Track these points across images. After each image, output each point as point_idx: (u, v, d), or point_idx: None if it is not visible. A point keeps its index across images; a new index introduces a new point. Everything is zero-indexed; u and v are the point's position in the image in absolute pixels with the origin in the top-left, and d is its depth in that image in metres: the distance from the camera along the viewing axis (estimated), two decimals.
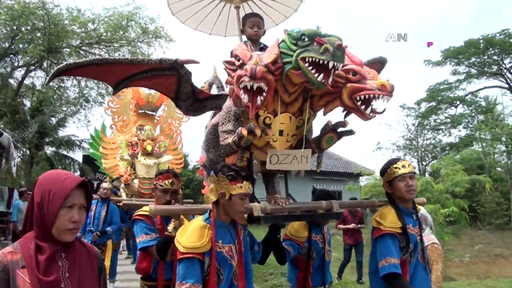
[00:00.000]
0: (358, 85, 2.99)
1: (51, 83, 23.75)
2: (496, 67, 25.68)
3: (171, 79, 3.62)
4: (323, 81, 2.78)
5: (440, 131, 31.88)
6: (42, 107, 24.66)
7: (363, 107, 2.99)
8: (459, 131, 31.17)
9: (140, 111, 9.74)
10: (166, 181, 3.67)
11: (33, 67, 23.08)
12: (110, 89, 22.58)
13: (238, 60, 2.97)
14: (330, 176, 29.11)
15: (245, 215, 3.09)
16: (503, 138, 27.81)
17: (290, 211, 3.39)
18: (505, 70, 25.22)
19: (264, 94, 2.83)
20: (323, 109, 3.27)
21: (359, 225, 9.82)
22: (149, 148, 8.53)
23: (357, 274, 9.76)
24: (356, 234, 9.86)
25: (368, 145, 75.11)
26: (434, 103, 30.81)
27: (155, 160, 8.60)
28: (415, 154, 34.88)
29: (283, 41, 2.99)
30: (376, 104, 3.01)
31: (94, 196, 9.40)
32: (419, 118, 31.47)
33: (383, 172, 3.38)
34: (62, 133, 26.00)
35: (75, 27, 22.60)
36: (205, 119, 4.34)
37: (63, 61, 23.13)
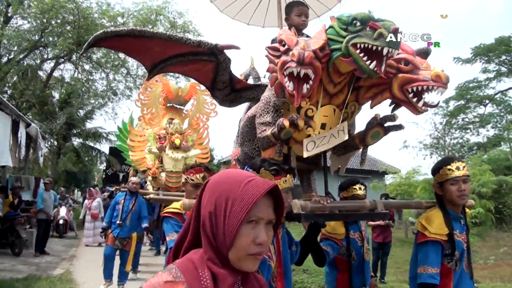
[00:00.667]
0: (410, 75, 2.78)
1: (80, 76, 24.20)
2: None
3: (209, 65, 3.42)
4: (375, 69, 2.59)
5: (468, 131, 31.21)
6: (71, 99, 25.05)
7: (415, 99, 2.79)
8: (487, 130, 30.46)
9: (168, 105, 9.78)
10: (198, 175, 3.53)
11: (62, 59, 23.35)
12: (138, 82, 23.00)
13: (284, 46, 2.78)
14: (355, 174, 28.89)
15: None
16: None
17: (331, 209, 3.18)
18: None
19: (311, 82, 2.65)
20: (370, 102, 3.06)
21: (388, 222, 9.39)
22: (177, 141, 8.59)
23: (381, 272, 9.49)
24: (386, 232, 9.50)
25: (395, 143, 74.27)
26: (462, 102, 30.23)
27: (182, 154, 8.65)
28: (442, 153, 34.37)
29: (331, 27, 2.80)
30: (429, 97, 2.81)
31: (122, 189, 9.57)
32: (447, 117, 30.90)
33: (435, 172, 3.07)
34: (89, 125, 26.49)
35: (105, 20, 22.74)
36: (232, 113, 4.29)
37: (92, 54, 23.56)
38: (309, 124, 2.84)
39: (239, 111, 4.38)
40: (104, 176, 23.39)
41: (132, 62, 24.21)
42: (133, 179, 8.06)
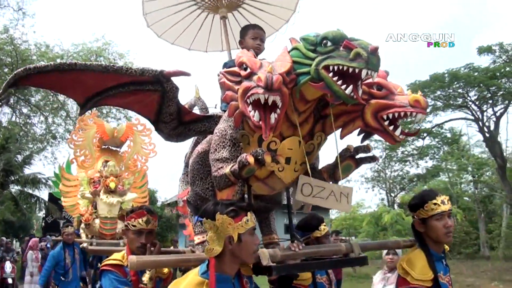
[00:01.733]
0: (385, 101, 2.56)
1: (17, 119, 23.28)
2: (461, 99, 26.30)
3: (153, 95, 3.00)
4: (352, 94, 2.32)
5: (408, 163, 32.48)
6: (8, 144, 24.00)
7: (391, 127, 2.56)
8: (426, 162, 31.77)
9: (103, 146, 9.39)
10: (140, 220, 2.98)
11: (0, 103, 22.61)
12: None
13: (245, 69, 2.48)
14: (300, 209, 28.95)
15: (250, 265, 2.50)
16: (469, 168, 28.53)
17: (304, 257, 2.85)
18: (470, 103, 25.83)
19: (278, 110, 2.35)
20: (340, 132, 2.78)
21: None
22: (112, 185, 8.12)
23: None
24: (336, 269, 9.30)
25: None
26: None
27: (118, 199, 8.17)
28: (383, 185, 35.38)
29: (295, 48, 2.53)
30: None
31: (54, 238, 8.96)
32: (386, 150, 31.96)
33: (416, 207, 2.81)
34: (28, 171, 25.37)
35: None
36: (176, 150, 3.99)
37: (30, 97, 22.85)
38: (277, 160, 2.58)
39: (185, 147, 4.03)
40: (43, 224, 22.32)
41: (72, 104, 23.73)
42: (67, 230, 7.70)
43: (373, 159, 2.84)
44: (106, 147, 9.41)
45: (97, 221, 8.06)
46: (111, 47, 23.56)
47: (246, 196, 2.83)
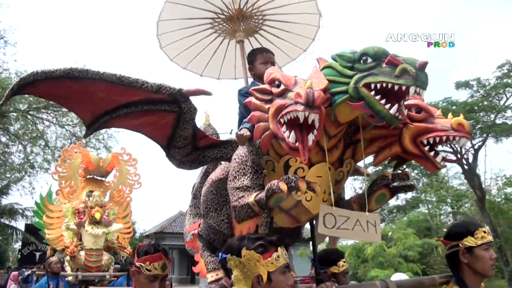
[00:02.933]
0: (426, 124, 2.37)
1: None
2: None
3: (168, 117, 2.74)
4: (397, 114, 2.12)
5: None
6: None
7: (432, 153, 2.37)
8: (406, 193, 31.83)
9: (88, 176, 9.28)
10: (156, 264, 2.51)
11: None
12: (57, 154, 22.05)
13: (278, 86, 2.29)
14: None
15: None
16: (448, 200, 28.76)
17: None
18: None
19: (315, 131, 2.14)
20: (374, 158, 2.59)
21: None
22: (97, 216, 7.95)
23: None
24: None
25: None
26: (380, 167, 31.55)
27: (103, 229, 8.02)
28: None
29: (328, 67, 2.35)
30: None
31: (40, 271, 8.70)
32: (366, 181, 32.12)
33: (462, 235, 2.43)
34: (4, 201, 24.79)
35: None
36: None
37: (9, 126, 22.47)
38: (313, 188, 2.28)
39: (197, 175, 3.84)
40: (19, 256, 21.65)
41: (50, 134, 23.43)
42: (53, 259, 7.47)
43: (410, 188, 2.66)
44: (91, 177, 9.31)
45: (82, 253, 7.89)
46: None
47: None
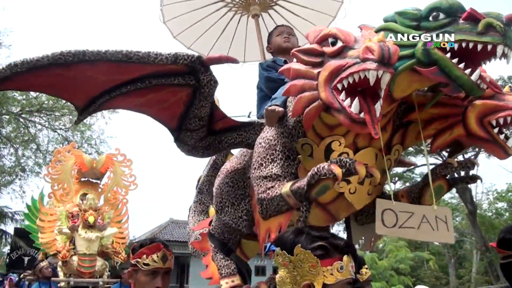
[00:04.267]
0: (495, 102, 1.99)
1: None
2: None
3: (180, 93, 2.33)
4: (479, 81, 1.76)
5: None
6: None
7: (501, 136, 2.00)
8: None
9: (83, 179, 9.01)
10: (155, 256, 2.10)
11: None
12: (49, 158, 21.92)
13: (333, 44, 1.92)
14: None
15: None
16: None
17: None
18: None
19: (381, 100, 1.79)
20: (431, 143, 2.21)
21: None
22: (91, 219, 7.70)
23: None
24: None
25: None
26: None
27: (97, 234, 7.77)
28: None
29: (383, 29, 1.95)
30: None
31: (30, 277, 8.38)
32: None
33: None
34: None
35: (17, 94, 21.81)
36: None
37: (0, 128, 22.12)
38: (372, 173, 1.90)
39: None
40: (7, 260, 21.27)
41: (42, 138, 23.09)
42: (43, 263, 7.16)
43: (473, 179, 2.27)
44: (85, 179, 9.04)
45: (75, 258, 7.66)
46: None
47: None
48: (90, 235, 7.67)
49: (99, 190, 9.08)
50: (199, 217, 3.43)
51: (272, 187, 2.16)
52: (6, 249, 26.01)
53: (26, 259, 17.43)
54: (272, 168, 2.20)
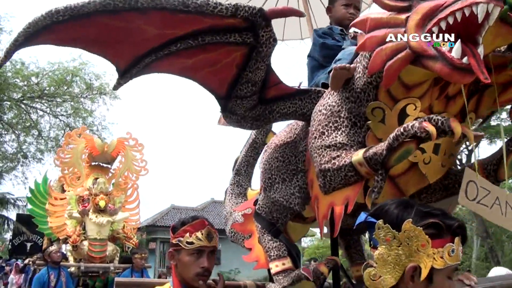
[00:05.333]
0: None
1: None
2: None
3: (235, 53, 2.12)
4: None
5: None
6: None
7: None
8: None
9: (93, 163, 8.82)
10: (199, 234, 1.91)
11: None
12: (50, 144, 21.87)
13: None
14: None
15: None
16: None
17: None
18: None
19: (482, 46, 1.59)
20: (510, 110, 2.01)
21: None
22: (102, 204, 7.56)
23: None
24: None
25: None
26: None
27: (108, 218, 7.62)
28: None
29: None
30: None
31: (40, 261, 8.29)
32: None
33: None
34: None
35: (18, 80, 21.76)
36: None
37: (2, 115, 21.99)
38: (467, 133, 1.69)
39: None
40: (10, 246, 21.27)
41: (44, 124, 23.01)
42: (52, 248, 7.09)
43: None
44: (96, 163, 8.88)
45: (85, 243, 7.53)
46: (88, 67, 22.97)
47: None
48: (101, 219, 7.55)
49: (110, 174, 8.94)
50: (237, 200, 3.27)
51: (338, 156, 1.96)
52: (8, 235, 26.05)
53: (28, 245, 17.45)
54: (336, 137, 2.01)
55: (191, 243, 1.90)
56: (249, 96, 2.23)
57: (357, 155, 1.87)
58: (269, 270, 2.54)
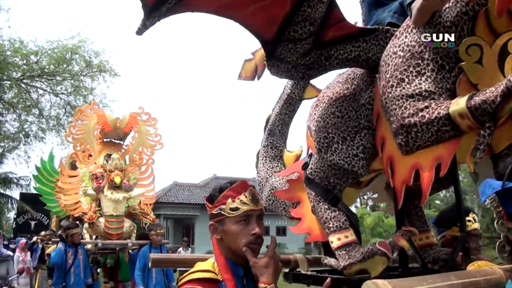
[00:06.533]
0: None
1: None
2: None
3: None
4: None
5: None
6: None
7: None
8: None
9: (106, 140, 8.67)
10: (244, 197, 1.63)
11: None
12: (52, 123, 21.64)
13: None
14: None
15: None
16: None
17: None
18: None
19: None
20: None
21: None
22: (117, 180, 7.37)
23: None
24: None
25: None
26: None
27: (124, 194, 7.43)
28: None
29: None
30: None
31: (55, 238, 8.15)
32: None
33: None
34: None
35: (17, 59, 21.56)
36: None
37: (2, 95, 21.74)
38: None
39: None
40: (14, 225, 21.30)
41: (45, 103, 22.92)
42: (75, 230, 6.97)
43: None
44: (108, 140, 8.73)
45: (101, 219, 7.40)
46: (87, 44, 22.83)
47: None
48: (117, 195, 7.37)
49: (122, 151, 8.75)
50: (272, 164, 2.97)
51: (426, 107, 1.65)
52: (12, 214, 26.04)
53: (32, 223, 17.62)
54: (420, 83, 1.69)
55: (236, 208, 1.62)
56: (304, 38, 1.85)
57: (457, 105, 1.57)
58: (324, 243, 2.31)
